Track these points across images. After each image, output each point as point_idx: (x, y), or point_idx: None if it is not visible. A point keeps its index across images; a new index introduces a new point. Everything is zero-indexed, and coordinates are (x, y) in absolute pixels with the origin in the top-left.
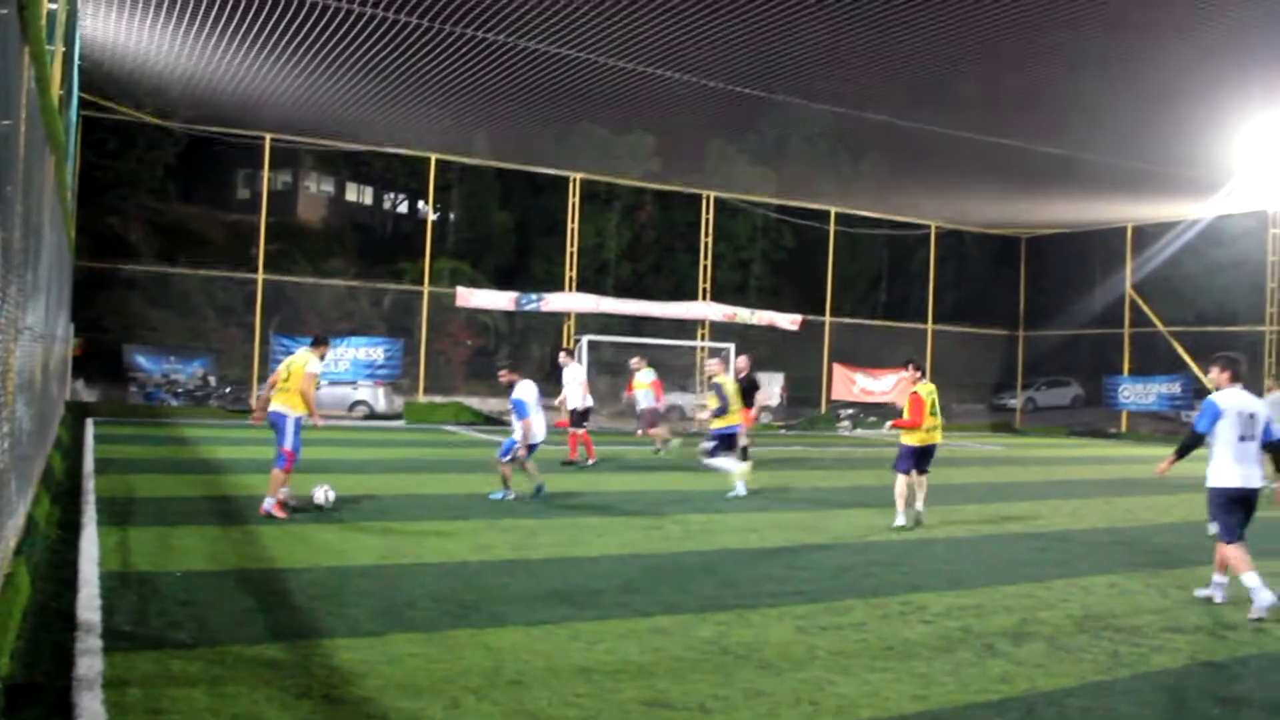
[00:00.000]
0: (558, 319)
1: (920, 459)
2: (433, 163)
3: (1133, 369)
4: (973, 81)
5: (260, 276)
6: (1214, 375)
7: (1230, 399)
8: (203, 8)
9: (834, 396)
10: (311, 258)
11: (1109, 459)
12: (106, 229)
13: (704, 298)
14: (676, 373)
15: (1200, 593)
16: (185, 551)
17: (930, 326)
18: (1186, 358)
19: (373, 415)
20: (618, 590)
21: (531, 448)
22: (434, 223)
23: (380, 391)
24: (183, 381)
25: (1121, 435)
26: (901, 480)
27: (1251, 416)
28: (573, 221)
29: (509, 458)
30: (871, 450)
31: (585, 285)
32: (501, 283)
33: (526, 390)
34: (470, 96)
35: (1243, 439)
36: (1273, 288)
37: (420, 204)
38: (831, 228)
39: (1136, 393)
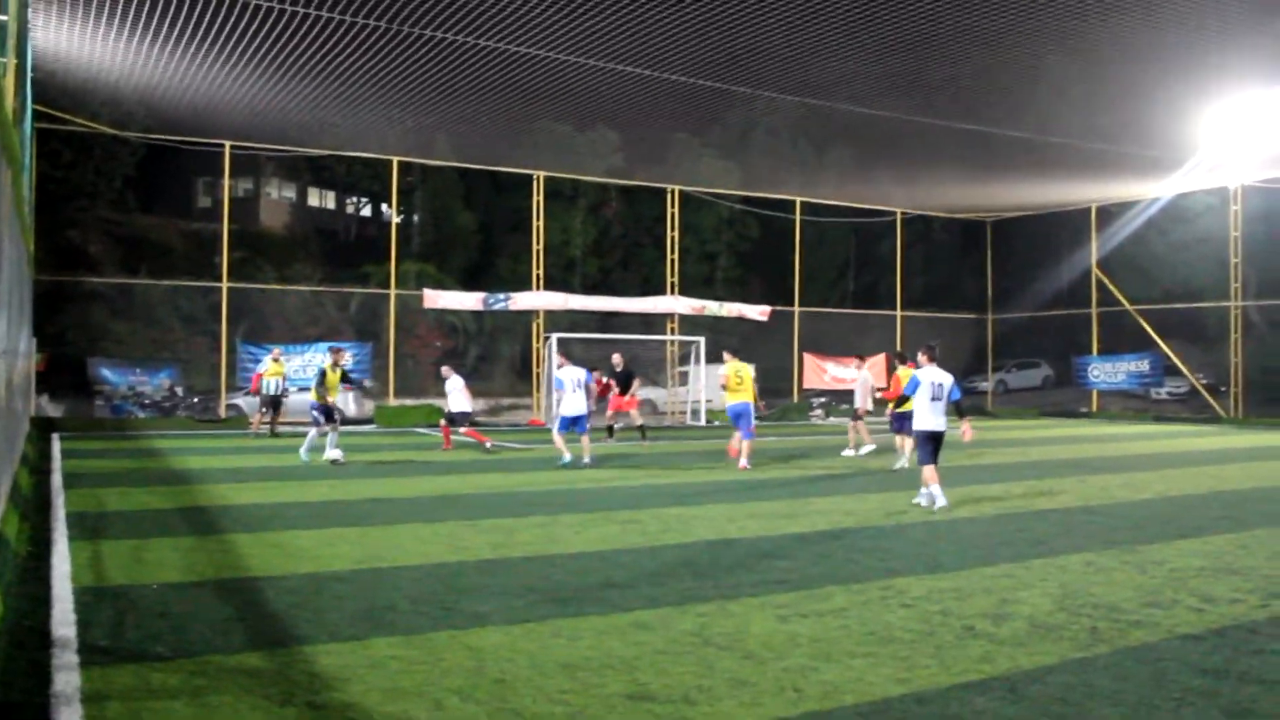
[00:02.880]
0: (526, 317)
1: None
2: (394, 165)
3: (1101, 348)
4: (936, 67)
5: (225, 285)
6: (920, 357)
7: (927, 373)
8: (155, 16)
9: (805, 386)
10: (276, 264)
11: (1081, 438)
12: (66, 242)
13: (672, 292)
14: (650, 366)
15: (913, 500)
16: (159, 564)
17: (899, 313)
18: (1154, 335)
19: (344, 420)
20: (598, 586)
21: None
22: (398, 225)
23: (350, 396)
24: (149, 393)
25: (1092, 414)
26: (896, 439)
27: (941, 384)
28: (537, 219)
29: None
30: (845, 438)
31: (552, 283)
32: (468, 283)
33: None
34: (429, 97)
35: (934, 399)
36: (1235, 263)
37: (383, 207)
38: (797, 217)
39: (1106, 371)
